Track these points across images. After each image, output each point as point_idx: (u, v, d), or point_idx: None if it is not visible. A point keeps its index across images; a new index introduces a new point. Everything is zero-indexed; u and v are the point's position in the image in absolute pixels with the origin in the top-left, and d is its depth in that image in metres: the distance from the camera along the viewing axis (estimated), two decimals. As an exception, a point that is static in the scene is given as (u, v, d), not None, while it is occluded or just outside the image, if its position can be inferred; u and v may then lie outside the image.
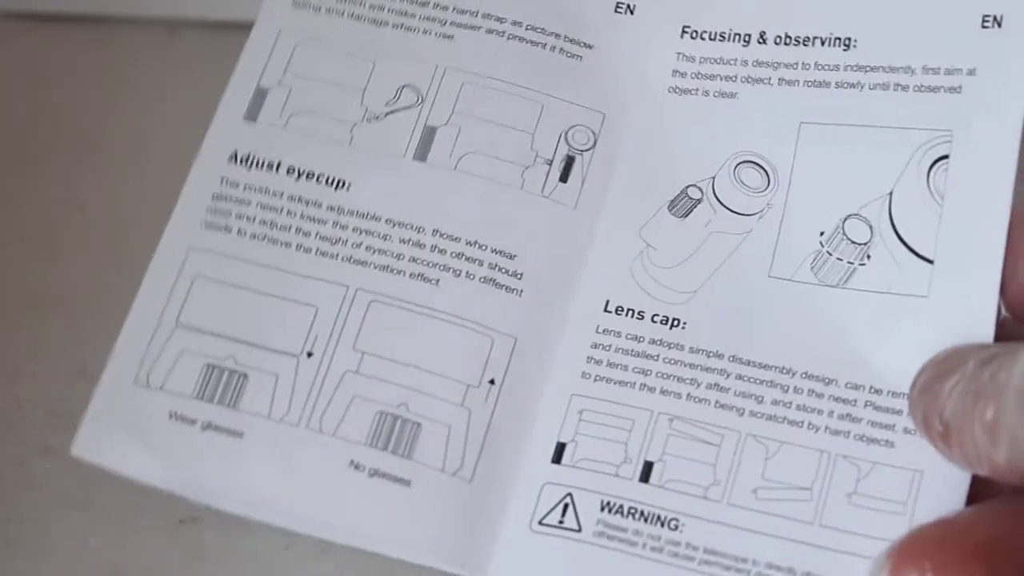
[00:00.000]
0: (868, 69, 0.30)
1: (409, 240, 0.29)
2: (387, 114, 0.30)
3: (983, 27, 0.29)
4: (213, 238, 0.29)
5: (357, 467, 0.27)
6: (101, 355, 0.36)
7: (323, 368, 0.28)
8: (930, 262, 0.28)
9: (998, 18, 0.29)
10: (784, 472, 0.27)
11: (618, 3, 0.32)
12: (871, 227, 0.29)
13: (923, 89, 0.29)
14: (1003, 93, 0.29)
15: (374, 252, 0.29)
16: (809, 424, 0.28)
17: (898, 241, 0.29)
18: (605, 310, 0.29)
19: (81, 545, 0.33)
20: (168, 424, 0.28)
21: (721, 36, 0.31)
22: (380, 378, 0.28)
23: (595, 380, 0.28)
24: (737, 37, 0.31)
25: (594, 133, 0.30)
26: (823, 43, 0.31)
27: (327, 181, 0.30)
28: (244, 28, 0.33)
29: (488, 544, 0.27)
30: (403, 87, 0.31)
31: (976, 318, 0.27)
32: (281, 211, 0.29)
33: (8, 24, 0.44)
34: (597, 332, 0.29)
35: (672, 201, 0.30)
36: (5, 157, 0.41)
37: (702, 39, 0.31)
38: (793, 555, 0.26)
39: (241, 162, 0.30)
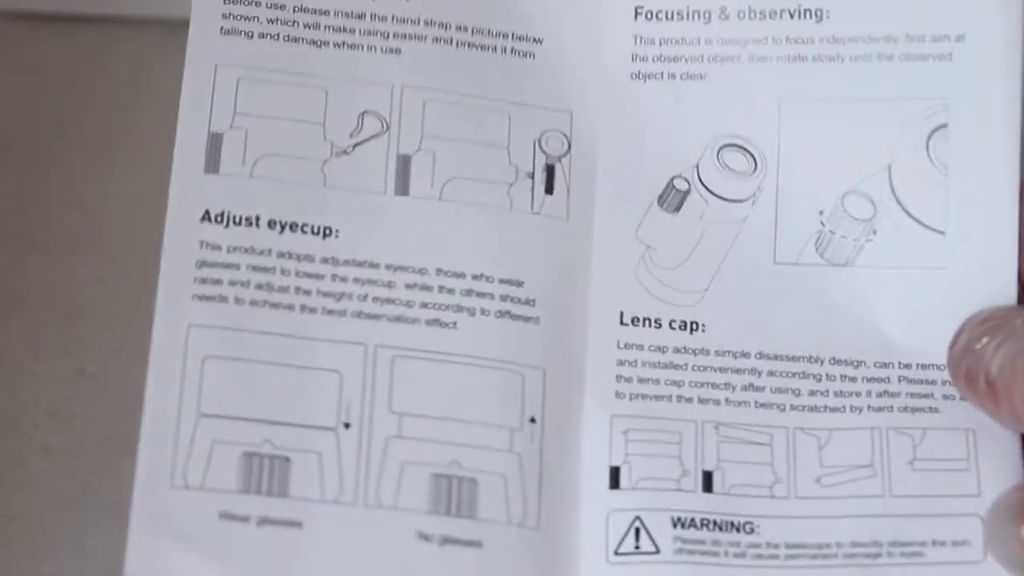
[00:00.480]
0: (846, 41, 0.29)
1: (415, 284, 0.28)
2: (355, 147, 0.29)
3: None
4: (211, 311, 0.27)
5: (426, 538, 0.26)
6: (101, 355, 0.36)
7: (364, 437, 0.27)
8: (941, 233, 0.28)
9: None
10: (842, 456, 0.27)
11: None
12: (873, 202, 0.28)
13: (910, 58, 0.29)
14: (996, 57, 0.28)
15: (382, 303, 0.28)
16: (851, 407, 0.27)
17: (904, 214, 0.28)
18: (622, 323, 0.28)
19: (81, 545, 0.33)
20: (220, 525, 0.26)
21: (678, 15, 0.30)
22: (425, 438, 0.27)
23: (631, 398, 0.28)
24: (696, 15, 0.30)
25: (566, 136, 0.29)
26: (792, 15, 0.29)
27: (312, 230, 0.28)
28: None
29: None
30: (363, 114, 0.29)
31: (998, 286, 0.27)
32: (274, 271, 0.27)
33: (8, 24, 0.44)
34: (619, 348, 0.28)
35: (660, 196, 0.29)
36: (5, 157, 0.41)
37: (658, 19, 0.30)
38: (873, 529, 0.26)
39: (216, 221, 0.28)
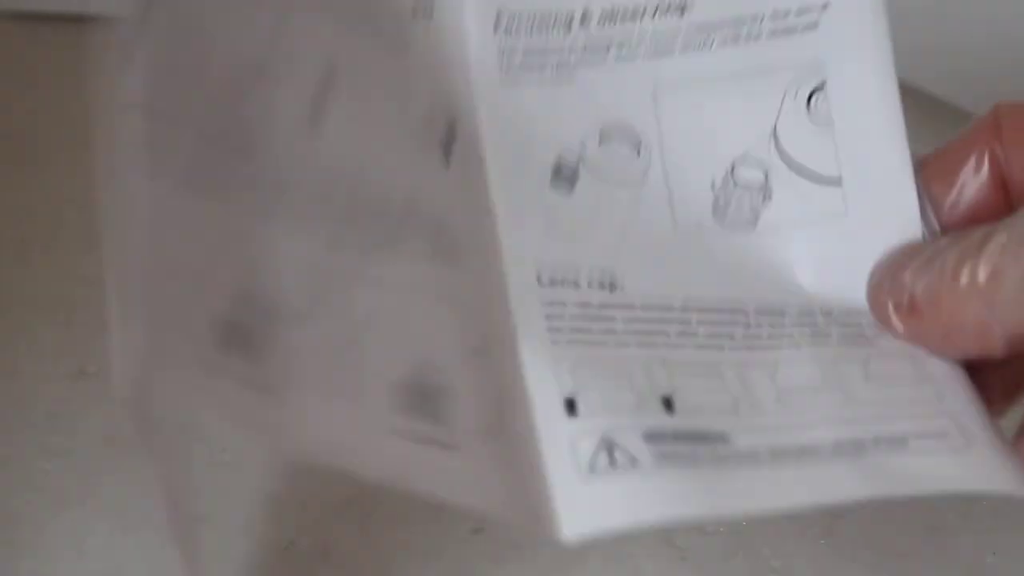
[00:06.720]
0: (712, 28, 0.29)
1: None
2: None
3: None
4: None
5: (400, 434, 0.27)
6: (101, 355, 0.36)
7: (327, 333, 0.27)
8: (836, 182, 0.29)
9: None
10: (794, 379, 0.27)
11: (414, 8, 0.30)
12: (763, 167, 0.29)
13: (777, 34, 0.29)
14: (863, 16, 0.29)
15: None
16: (789, 344, 0.28)
17: (796, 173, 0.29)
18: (540, 284, 0.28)
19: (81, 545, 0.33)
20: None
21: (540, 25, 0.30)
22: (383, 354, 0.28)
23: (568, 344, 0.27)
24: (556, 22, 0.30)
25: (452, 127, 0.30)
26: (654, 13, 0.29)
27: None
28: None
29: (548, 501, 0.25)
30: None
31: (901, 224, 0.28)
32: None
33: (8, 24, 0.44)
34: (544, 304, 0.28)
35: (551, 182, 0.29)
36: (5, 157, 0.41)
37: (518, 33, 0.30)
38: (851, 430, 0.26)
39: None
